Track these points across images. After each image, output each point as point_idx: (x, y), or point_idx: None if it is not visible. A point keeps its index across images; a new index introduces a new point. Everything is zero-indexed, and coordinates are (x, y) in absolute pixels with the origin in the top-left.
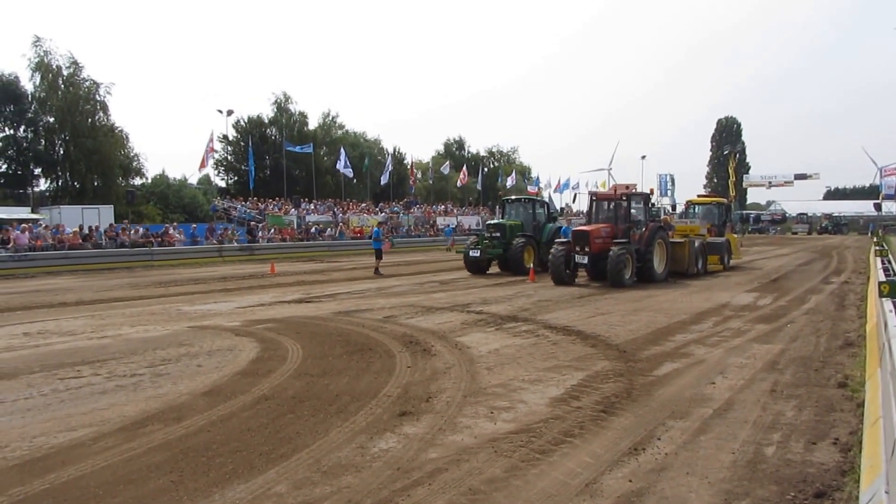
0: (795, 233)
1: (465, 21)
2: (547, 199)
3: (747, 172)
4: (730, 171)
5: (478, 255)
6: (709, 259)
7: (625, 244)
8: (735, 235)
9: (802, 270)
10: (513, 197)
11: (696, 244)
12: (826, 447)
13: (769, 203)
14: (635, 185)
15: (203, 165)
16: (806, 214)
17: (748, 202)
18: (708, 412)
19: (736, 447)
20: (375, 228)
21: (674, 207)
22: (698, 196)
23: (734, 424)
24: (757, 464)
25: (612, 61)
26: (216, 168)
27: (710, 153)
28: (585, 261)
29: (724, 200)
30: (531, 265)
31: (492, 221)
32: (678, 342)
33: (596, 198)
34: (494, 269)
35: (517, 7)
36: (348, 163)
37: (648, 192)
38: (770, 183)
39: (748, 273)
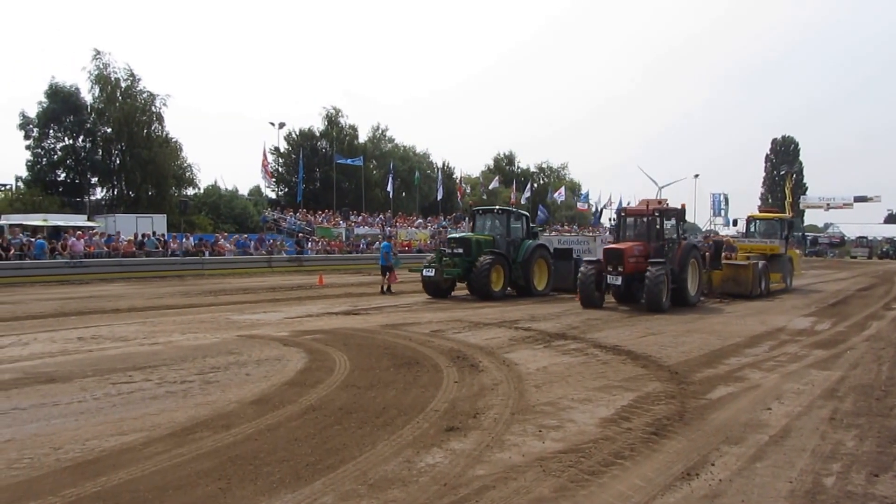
0: (854, 257)
1: (523, 37)
2: (597, 215)
3: (804, 193)
4: (786, 191)
5: (432, 274)
6: (770, 278)
7: (662, 264)
8: (796, 251)
9: (862, 295)
10: (484, 207)
11: (760, 265)
12: (889, 480)
13: (827, 225)
14: (666, 199)
15: (271, 177)
16: (866, 238)
17: (805, 224)
18: (764, 438)
19: (794, 476)
20: (384, 243)
21: (735, 223)
22: (759, 211)
23: (791, 452)
24: (816, 494)
25: (667, 82)
26: (267, 180)
27: (765, 174)
28: (619, 281)
29: (786, 216)
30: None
31: (455, 235)
32: (732, 365)
33: (625, 213)
34: (463, 290)
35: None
36: (392, 180)
37: (681, 206)
38: (828, 205)
39: (805, 297)
